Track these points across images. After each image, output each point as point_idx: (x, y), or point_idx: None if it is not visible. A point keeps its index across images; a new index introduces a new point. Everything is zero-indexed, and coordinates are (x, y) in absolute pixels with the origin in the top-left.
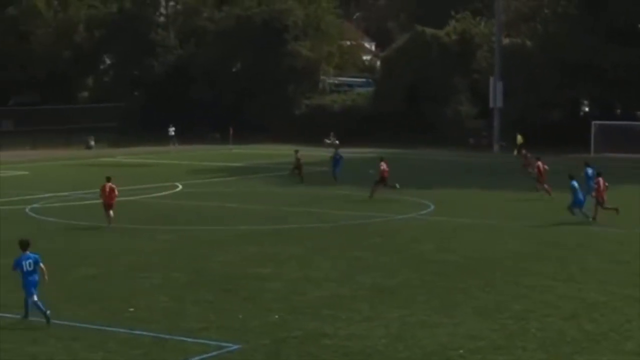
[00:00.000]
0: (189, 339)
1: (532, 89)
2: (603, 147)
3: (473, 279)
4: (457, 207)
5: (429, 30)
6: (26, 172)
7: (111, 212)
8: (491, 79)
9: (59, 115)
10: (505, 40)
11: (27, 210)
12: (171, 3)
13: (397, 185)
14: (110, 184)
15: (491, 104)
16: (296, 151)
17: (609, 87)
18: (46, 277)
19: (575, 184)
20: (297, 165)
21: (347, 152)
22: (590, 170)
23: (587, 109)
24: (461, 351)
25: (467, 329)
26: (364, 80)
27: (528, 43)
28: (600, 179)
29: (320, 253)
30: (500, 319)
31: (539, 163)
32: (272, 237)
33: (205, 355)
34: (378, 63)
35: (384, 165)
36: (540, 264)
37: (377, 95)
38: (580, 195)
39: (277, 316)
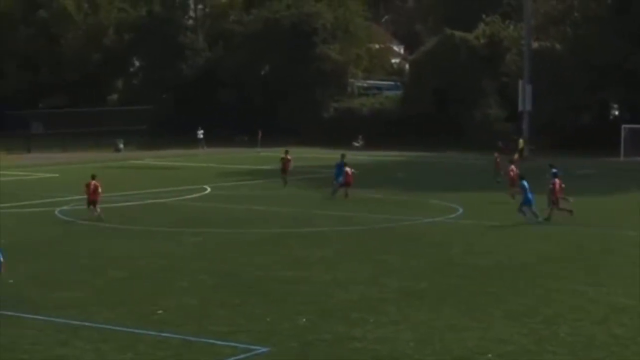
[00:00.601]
0: (218, 342)
1: (562, 92)
2: (633, 151)
3: (502, 283)
4: (486, 210)
5: (457, 34)
6: (56, 175)
7: (98, 208)
8: (520, 82)
9: (88, 117)
10: (535, 44)
11: (56, 212)
12: (200, 6)
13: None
14: (94, 181)
15: (520, 107)
16: (286, 152)
17: (639, 91)
18: (3, 270)
19: (525, 183)
20: (284, 168)
21: (375, 155)
22: (554, 171)
23: (617, 113)
24: (490, 355)
25: (496, 333)
26: (392, 83)
27: (557, 46)
28: (557, 180)
29: (348, 256)
30: (529, 323)
31: (512, 167)
32: (300, 240)
33: (233, 358)
34: (406, 66)
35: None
36: (568, 267)
37: (405, 99)
38: (529, 195)
39: (305, 319)
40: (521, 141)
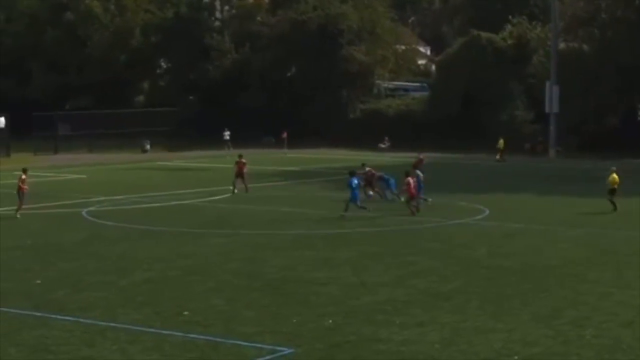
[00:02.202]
0: (244, 343)
1: (589, 93)
2: None
3: (528, 285)
4: (512, 212)
5: (484, 35)
6: (83, 176)
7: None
8: (547, 84)
9: (115, 119)
10: (562, 45)
11: (83, 213)
12: (226, 7)
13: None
14: (24, 176)
15: (547, 109)
16: (240, 155)
17: None
18: None
19: (355, 181)
20: (239, 172)
21: (401, 156)
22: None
23: None
24: (516, 357)
25: (522, 335)
26: (418, 84)
27: (585, 47)
28: (410, 179)
29: (373, 258)
30: (555, 325)
31: (409, 179)
32: (326, 241)
33: (259, 359)
34: (433, 67)
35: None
36: (595, 270)
37: (432, 100)
38: (356, 193)
39: (330, 321)
40: (501, 141)
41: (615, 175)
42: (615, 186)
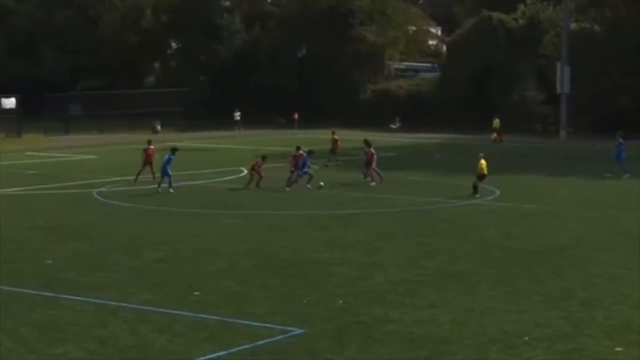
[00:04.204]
0: (254, 323)
1: (600, 74)
2: None
3: (539, 266)
4: (523, 193)
5: (495, 15)
6: (94, 156)
7: None
8: (558, 64)
9: (126, 99)
10: (573, 25)
11: (94, 193)
12: None
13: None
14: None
15: (558, 90)
16: (148, 142)
17: None
18: None
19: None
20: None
21: (412, 137)
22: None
23: None
24: (526, 338)
25: (533, 316)
26: (429, 65)
27: (596, 28)
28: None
29: (385, 238)
30: (566, 306)
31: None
32: (337, 222)
33: (270, 340)
34: (444, 48)
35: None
36: (607, 251)
37: (442, 81)
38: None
39: (341, 301)
40: (497, 121)
41: (483, 161)
42: (485, 172)
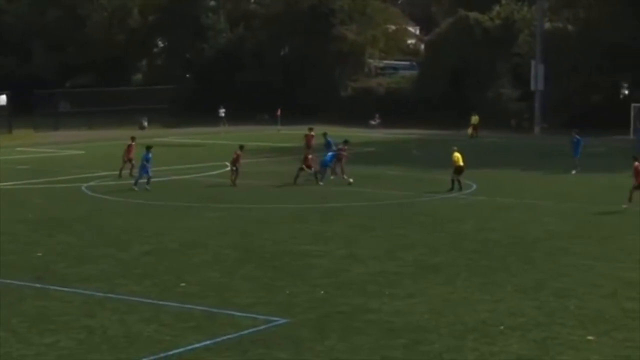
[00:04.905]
0: (239, 313)
1: (573, 72)
2: None
3: (514, 258)
4: (498, 187)
5: (472, 15)
6: (82, 152)
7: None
8: (532, 63)
9: (114, 96)
10: (547, 25)
11: (83, 188)
12: None
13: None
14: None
15: (532, 87)
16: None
17: None
18: None
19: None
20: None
21: (391, 133)
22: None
23: (627, 92)
24: (502, 327)
25: (508, 306)
26: (408, 63)
27: (569, 27)
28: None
29: (365, 231)
30: (540, 296)
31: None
32: (318, 215)
33: (254, 329)
34: (422, 47)
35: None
36: (579, 243)
37: (421, 78)
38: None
39: (323, 292)
40: (475, 117)
41: (457, 154)
42: (461, 164)
